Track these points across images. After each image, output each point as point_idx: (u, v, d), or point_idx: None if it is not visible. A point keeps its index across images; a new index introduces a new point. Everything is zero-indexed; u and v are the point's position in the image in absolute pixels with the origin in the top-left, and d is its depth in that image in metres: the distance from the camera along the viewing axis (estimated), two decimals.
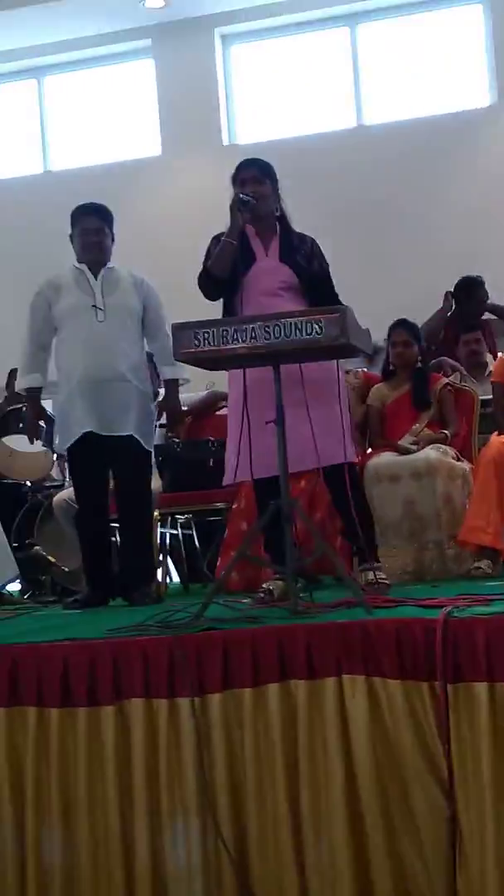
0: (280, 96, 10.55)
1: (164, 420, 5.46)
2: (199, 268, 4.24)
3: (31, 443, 5.60)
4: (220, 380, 5.84)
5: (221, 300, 4.28)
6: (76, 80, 11.05)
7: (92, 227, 4.94)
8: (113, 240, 5.01)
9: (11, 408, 6.64)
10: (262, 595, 4.15)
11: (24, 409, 6.49)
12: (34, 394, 5.06)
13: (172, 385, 5.09)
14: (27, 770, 3.23)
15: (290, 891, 2.97)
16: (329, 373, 4.09)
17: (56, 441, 5.23)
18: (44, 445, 6.14)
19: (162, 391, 5.27)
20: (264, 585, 4.23)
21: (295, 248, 4.27)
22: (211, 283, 4.21)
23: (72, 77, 11.05)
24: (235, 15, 10.41)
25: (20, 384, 5.13)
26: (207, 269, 4.21)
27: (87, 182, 9.30)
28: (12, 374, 6.99)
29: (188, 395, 5.61)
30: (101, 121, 10.95)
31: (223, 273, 4.13)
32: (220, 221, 4.21)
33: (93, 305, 4.84)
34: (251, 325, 3.58)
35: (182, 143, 10.38)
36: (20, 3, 10.04)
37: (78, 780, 3.17)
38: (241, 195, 4.12)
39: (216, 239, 4.22)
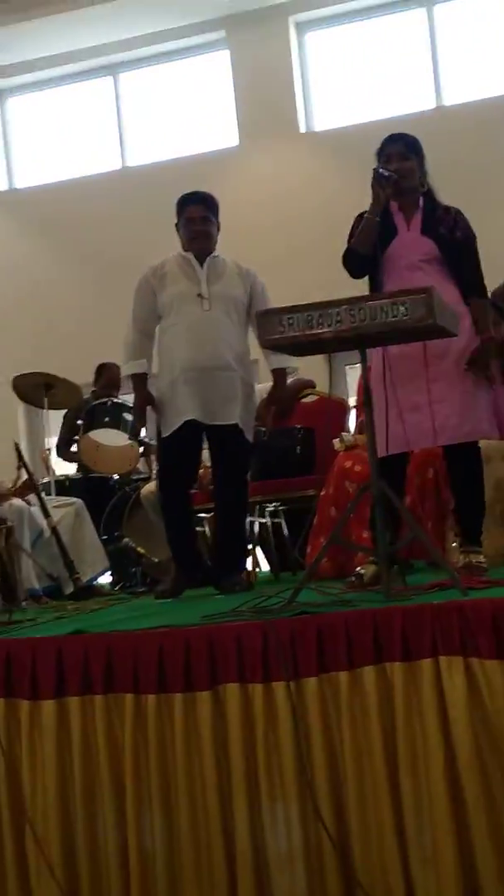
0: (357, 81, 10.47)
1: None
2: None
3: (136, 434, 5.57)
4: (303, 368, 5.81)
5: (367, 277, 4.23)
6: (151, 76, 11.10)
7: (198, 216, 4.90)
8: (218, 228, 4.97)
9: (98, 402, 6.70)
10: (353, 580, 4.12)
11: (109, 403, 6.58)
12: (141, 380, 4.98)
13: (281, 374, 5.05)
14: (125, 757, 3.24)
15: (393, 874, 2.95)
16: (472, 346, 4.08)
17: (143, 431, 5.20)
18: (130, 438, 6.17)
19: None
20: (357, 570, 4.20)
21: (439, 221, 4.20)
22: (355, 260, 4.17)
23: (147, 72, 11.11)
24: (309, 1, 10.37)
25: (126, 370, 5.03)
26: (351, 247, 4.18)
27: (164, 176, 9.30)
28: (100, 368, 7.08)
29: (266, 386, 5.56)
30: (178, 114, 10.98)
31: (367, 249, 4.10)
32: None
33: (198, 294, 4.81)
34: (336, 310, 3.55)
35: (259, 133, 10.34)
36: (94, 1, 10.11)
37: (176, 765, 3.18)
38: (381, 170, 4.08)
39: (360, 216, 4.18)
